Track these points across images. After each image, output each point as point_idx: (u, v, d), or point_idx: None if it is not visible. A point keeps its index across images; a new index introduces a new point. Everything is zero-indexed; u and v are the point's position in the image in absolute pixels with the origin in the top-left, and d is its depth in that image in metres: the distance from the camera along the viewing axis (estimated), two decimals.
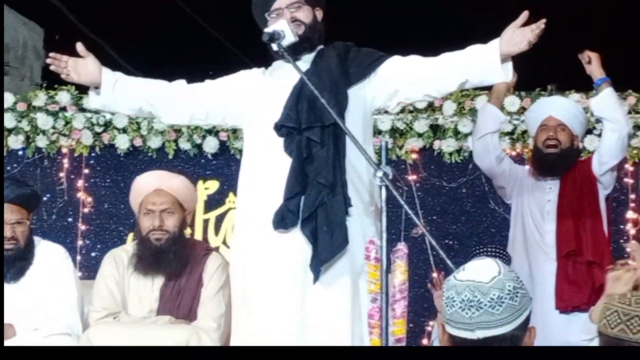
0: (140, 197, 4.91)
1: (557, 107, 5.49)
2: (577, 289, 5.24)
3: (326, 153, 3.95)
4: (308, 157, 3.96)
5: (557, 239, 5.35)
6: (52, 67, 4.19)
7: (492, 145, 5.52)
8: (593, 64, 5.27)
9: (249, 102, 4.19)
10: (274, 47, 4.01)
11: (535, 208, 5.45)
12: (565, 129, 5.40)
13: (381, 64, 4.13)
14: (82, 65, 4.18)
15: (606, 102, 5.25)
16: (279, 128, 4.01)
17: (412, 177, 6.82)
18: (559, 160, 5.40)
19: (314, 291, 3.94)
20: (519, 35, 3.86)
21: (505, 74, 3.94)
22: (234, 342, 4.10)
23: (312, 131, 3.97)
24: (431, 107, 6.86)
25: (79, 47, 4.17)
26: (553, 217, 5.37)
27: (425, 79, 4.07)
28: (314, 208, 3.92)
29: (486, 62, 3.93)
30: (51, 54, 4.20)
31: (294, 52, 4.02)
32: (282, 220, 3.96)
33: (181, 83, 4.35)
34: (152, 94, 4.28)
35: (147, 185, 4.92)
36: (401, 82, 4.10)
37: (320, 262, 3.92)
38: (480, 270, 2.86)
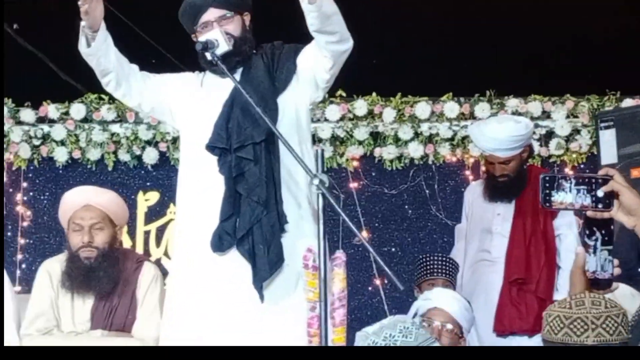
0: (69, 213, 4.81)
1: (499, 144, 5.32)
2: (519, 314, 5.20)
3: (259, 170, 3.88)
4: (239, 175, 3.89)
5: (506, 262, 5.33)
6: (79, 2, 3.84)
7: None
8: None
9: (187, 108, 4.12)
10: (208, 56, 3.91)
11: (486, 223, 5.44)
12: (511, 160, 5.34)
13: (297, 59, 4.07)
14: (93, 8, 3.86)
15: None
16: (212, 149, 3.94)
17: (353, 185, 6.84)
18: (510, 187, 5.39)
19: (264, 308, 3.87)
20: None
21: None
22: None
23: (244, 150, 3.90)
24: (371, 115, 6.87)
25: None
26: (503, 235, 5.37)
27: (318, 55, 3.99)
28: (249, 227, 3.86)
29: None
30: None
31: (226, 63, 3.90)
32: (220, 242, 3.90)
33: (136, 67, 4.19)
34: (123, 64, 4.09)
35: (75, 201, 4.83)
36: (314, 69, 4.05)
37: (259, 281, 3.85)
38: None
